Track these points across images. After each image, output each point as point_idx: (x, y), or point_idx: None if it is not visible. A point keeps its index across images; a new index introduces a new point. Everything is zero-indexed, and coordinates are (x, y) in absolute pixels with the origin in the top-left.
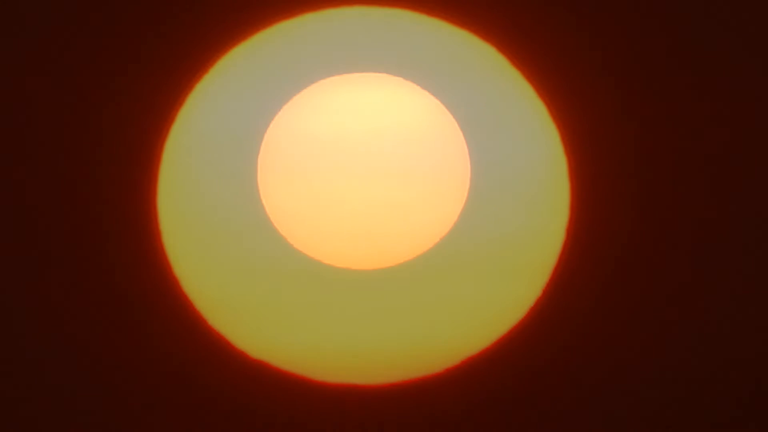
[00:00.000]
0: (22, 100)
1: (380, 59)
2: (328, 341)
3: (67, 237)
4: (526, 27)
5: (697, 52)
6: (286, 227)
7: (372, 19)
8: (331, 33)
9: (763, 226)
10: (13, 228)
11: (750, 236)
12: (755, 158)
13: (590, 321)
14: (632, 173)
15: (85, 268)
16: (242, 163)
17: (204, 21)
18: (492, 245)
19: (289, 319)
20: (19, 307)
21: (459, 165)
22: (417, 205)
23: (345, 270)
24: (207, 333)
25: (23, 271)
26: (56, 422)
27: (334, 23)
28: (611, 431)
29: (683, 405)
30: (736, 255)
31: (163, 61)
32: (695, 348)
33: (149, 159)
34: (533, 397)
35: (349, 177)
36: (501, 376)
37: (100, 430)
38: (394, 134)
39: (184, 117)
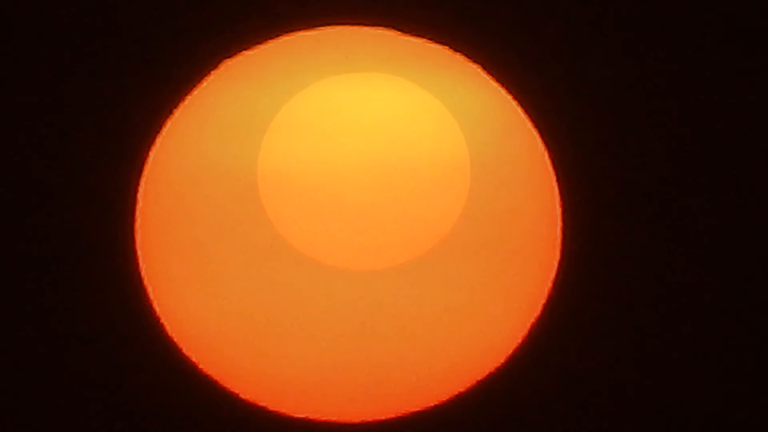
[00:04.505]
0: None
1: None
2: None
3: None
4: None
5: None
6: (286, 227)
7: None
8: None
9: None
10: None
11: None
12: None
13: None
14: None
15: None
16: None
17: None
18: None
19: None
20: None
21: (459, 165)
22: (417, 205)
23: (345, 270)
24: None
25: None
26: None
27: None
28: None
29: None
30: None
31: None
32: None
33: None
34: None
35: (349, 177)
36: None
37: None
38: (394, 134)
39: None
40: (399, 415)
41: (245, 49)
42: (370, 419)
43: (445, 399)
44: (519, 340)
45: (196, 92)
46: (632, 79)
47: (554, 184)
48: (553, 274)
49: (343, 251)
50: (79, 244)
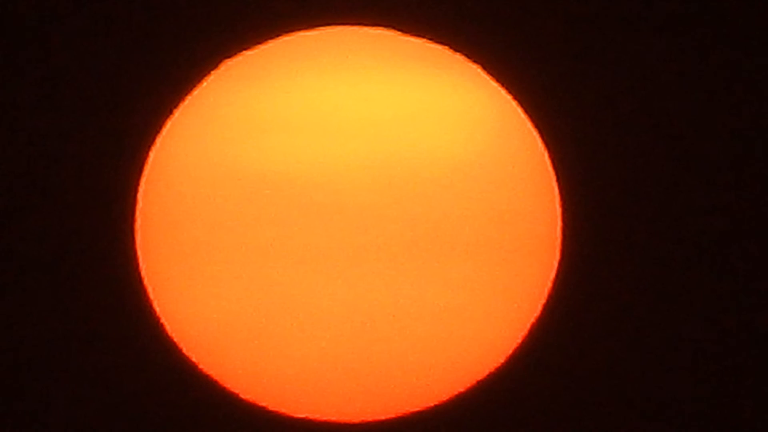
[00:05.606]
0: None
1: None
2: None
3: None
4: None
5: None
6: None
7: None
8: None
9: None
10: None
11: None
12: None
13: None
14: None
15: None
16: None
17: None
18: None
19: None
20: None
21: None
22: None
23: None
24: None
25: None
26: None
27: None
28: None
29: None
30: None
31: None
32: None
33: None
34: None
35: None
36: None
37: None
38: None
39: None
40: (399, 415)
41: (245, 49)
42: (370, 419)
43: (445, 399)
44: (519, 340)
45: (196, 92)
46: (632, 79)
47: (554, 184)
48: (553, 274)
49: (343, 251)
50: (79, 244)
